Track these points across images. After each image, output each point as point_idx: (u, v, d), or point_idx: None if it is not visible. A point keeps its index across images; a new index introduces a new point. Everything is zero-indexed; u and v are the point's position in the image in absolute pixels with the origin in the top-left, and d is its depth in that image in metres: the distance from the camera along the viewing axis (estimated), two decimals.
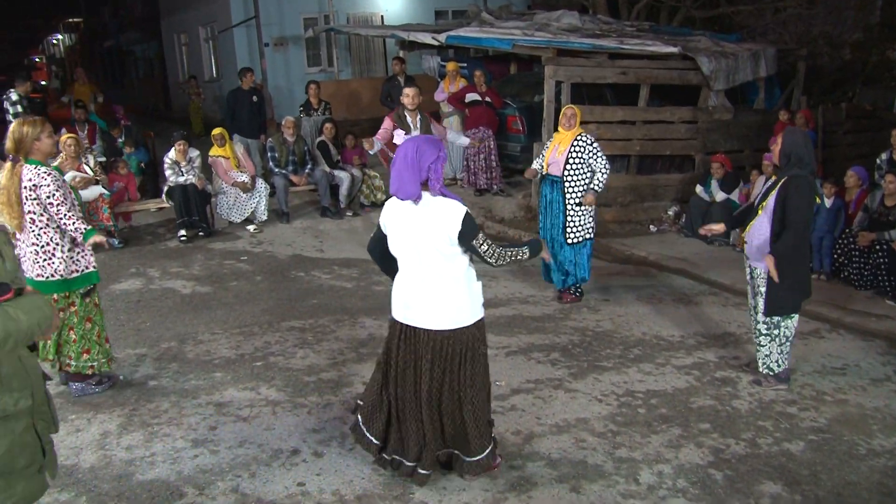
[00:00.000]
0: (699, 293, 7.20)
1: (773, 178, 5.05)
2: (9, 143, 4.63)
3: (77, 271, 4.91)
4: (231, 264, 8.02)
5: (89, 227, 4.77)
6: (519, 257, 3.91)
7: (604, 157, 6.52)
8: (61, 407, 4.90)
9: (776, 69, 10.39)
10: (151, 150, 10.62)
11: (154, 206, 9.21)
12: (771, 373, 5.19)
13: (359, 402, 4.17)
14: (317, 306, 6.75)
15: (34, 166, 4.64)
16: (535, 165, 6.90)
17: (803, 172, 4.79)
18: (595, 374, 5.38)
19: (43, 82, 30.08)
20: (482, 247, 3.71)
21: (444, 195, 3.65)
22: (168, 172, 8.82)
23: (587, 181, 6.54)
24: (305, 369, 5.46)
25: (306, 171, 9.69)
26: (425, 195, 3.62)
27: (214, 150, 9.23)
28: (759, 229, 4.98)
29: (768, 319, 5.08)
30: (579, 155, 6.45)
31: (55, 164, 7.58)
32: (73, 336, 5.04)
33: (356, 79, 16.34)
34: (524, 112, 10.15)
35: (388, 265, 3.98)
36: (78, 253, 4.90)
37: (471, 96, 9.97)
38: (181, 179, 8.79)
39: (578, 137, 6.50)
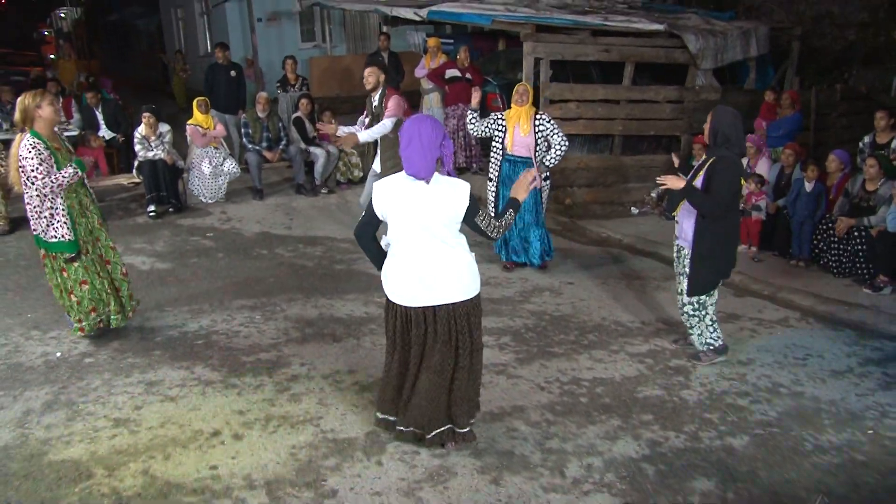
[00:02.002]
0: (669, 278, 6.94)
1: (703, 157, 4.94)
2: (17, 115, 5.05)
3: (55, 237, 5.08)
4: (196, 241, 7.87)
5: (70, 169, 5.02)
6: (510, 222, 3.89)
7: (562, 135, 6.57)
8: None
9: (768, 49, 10.05)
10: (128, 124, 10.45)
11: (125, 180, 9.07)
12: (709, 347, 5.10)
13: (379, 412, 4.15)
14: (273, 285, 6.60)
15: (29, 138, 4.92)
16: (476, 127, 6.81)
17: (730, 153, 4.66)
18: (543, 361, 5.19)
19: (51, 56, 29.93)
20: (483, 221, 3.76)
21: (450, 173, 3.72)
22: (138, 147, 8.68)
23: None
24: (246, 349, 5.31)
25: (280, 147, 9.50)
26: (436, 175, 3.64)
27: (194, 118, 9.08)
28: (689, 209, 4.82)
29: (694, 300, 4.94)
30: (542, 134, 6.54)
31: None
32: (75, 298, 5.27)
33: (350, 55, 16.08)
34: (505, 89, 9.88)
35: (378, 251, 3.89)
36: (58, 221, 5.07)
37: (451, 72, 9.72)
38: (150, 154, 8.64)
39: (538, 117, 6.55)
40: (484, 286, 6.52)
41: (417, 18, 10.07)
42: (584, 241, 8.14)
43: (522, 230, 6.82)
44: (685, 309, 5.09)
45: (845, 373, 5.14)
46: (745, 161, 8.11)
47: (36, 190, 4.94)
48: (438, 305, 3.72)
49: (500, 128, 6.69)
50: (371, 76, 6.44)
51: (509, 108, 6.70)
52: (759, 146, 8.15)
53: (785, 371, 5.12)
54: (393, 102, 6.33)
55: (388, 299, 3.85)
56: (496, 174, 6.78)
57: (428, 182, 3.61)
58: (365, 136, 6.41)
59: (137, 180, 8.86)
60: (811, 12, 13.46)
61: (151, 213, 8.58)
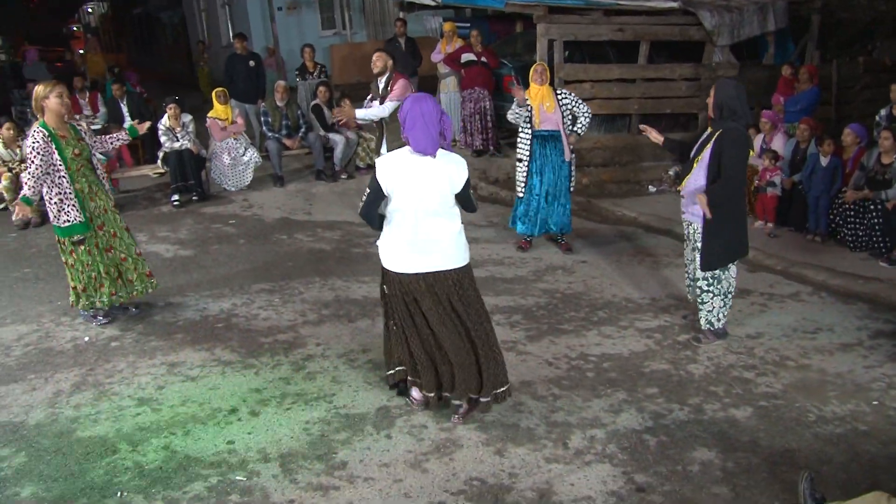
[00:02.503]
0: (682, 254, 6.98)
1: (709, 130, 4.93)
2: (33, 104, 5.33)
3: (69, 221, 5.34)
4: (218, 228, 8.08)
5: (25, 196, 5.27)
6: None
7: (585, 105, 6.88)
8: (31, 364, 5.08)
9: (787, 23, 9.93)
10: (151, 116, 10.67)
11: (151, 171, 9.31)
12: (711, 328, 5.12)
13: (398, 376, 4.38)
14: (291, 269, 6.77)
15: (37, 128, 5.20)
16: (513, 116, 6.96)
17: (737, 125, 4.68)
18: (552, 337, 5.30)
19: (80, 51, 30.48)
20: (471, 193, 4.05)
21: (448, 147, 3.94)
22: (163, 139, 8.90)
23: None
24: (264, 331, 5.49)
25: (299, 134, 9.67)
26: (440, 149, 3.86)
27: (214, 111, 9.30)
28: (695, 183, 4.87)
29: (708, 274, 4.97)
30: (567, 107, 6.79)
31: None
32: (83, 277, 5.51)
33: (370, 41, 16.17)
34: (520, 72, 9.92)
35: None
36: (68, 205, 5.32)
37: (466, 56, 9.78)
38: (176, 145, 8.86)
39: (559, 92, 6.80)
40: (497, 266, 6.72)
41: (434, 3, 10.14)
42: (598, 220, 8.20)
43: (553, 204, 6.93)
44: (699, 284, 5.12)
45: (854, 346, 5.16)
46: (760, 137, 8.11)
47: (31, 176, 5.16)
48: (441, 271, 3.92)
49: (527, 108, 6.79)
50: (378, 60, 6.54)
51: (527, 88, 6.81)
52: (775, 122, 8.11)
53: (793, 344, 5.17)
54: (399, 86, 6.42)
55: (385, 271, 4.06)
56: (526, 154, 6.87)
57: (434, 157, 3.80)
58: (361, 113, 6.56)
59: (163, 171, 9.09)
60: None
61: (175, 203, 8.81)
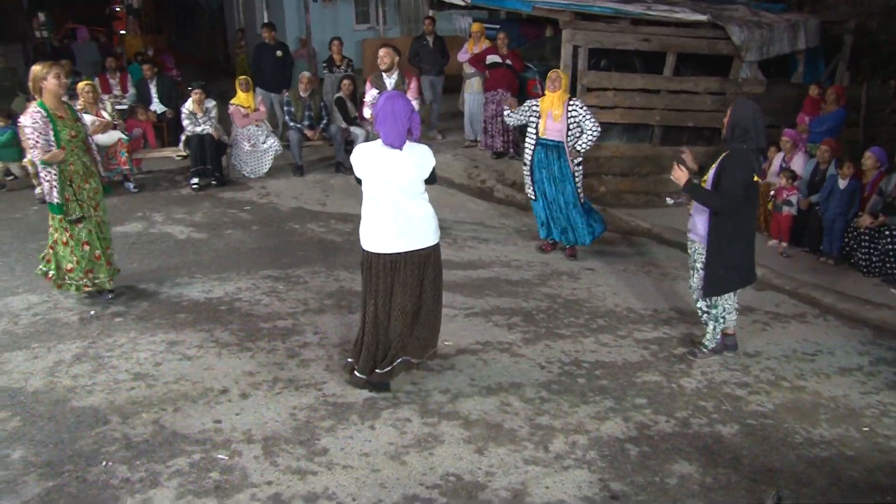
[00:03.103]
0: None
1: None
2: (29, 84, 5.38)
3: (53, 201, 5.39)
4: (233, 213, 8.19)
5: (43, 160, 5.28)
6: None
7: (594, 120, 6.70)
8: (36, 333, 5.22)
9: (818, 42, 9.81)
10: (179, 100, 10.83)
11: (173, 153, 9.45)
12: (705, 349, 5.12)
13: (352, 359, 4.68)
14: (300, 258, 6.85)
15: (34, 107, 5.29)
16: (510, 120, 7.13)
17: (743, 146, 4.63)
18: (548, 341, 5.31)
19: (122, 31, 30.95)
20: (434, 171, 4.47)
21: (416, 141, 4.37)
22: (186, 122, 9.04)
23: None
24: (265, 316, 5.57)
25: (321, 126, 9.76)
26: (407, 141, 4.27)
27: (236, 98, 9.44)
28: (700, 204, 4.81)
29: (708, 299, 4.95)
30: (575, 119, 6.68)
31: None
32: (75, 258, 5.57)
33: (402, 37, 16.23)
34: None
35: None
36: (50, 185, 5.37)
37: (491, 58, 9.80)
38: (198, 129, 8.99)
39: (571, 103, 6.70)
40: (504, 268, 6.75)
41: (462, 3, 10.17)
42: (611, 230, 8.14)
43: (566, 212, 6.93)
44: (699, 305, 5.12)
45: (853, 370, 5.11)
46: (780, 155, 8.03)
47: (40, 150, 5.22)
48: (408, 252, 4.34)
49: (534, 114, 6.85)
50: (387, 56, 6.55)
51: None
52: (796, 141, 8.03)
53: (790, 365, 5.13)
54: (416, 85, 6.52)
55: (364, 252, 4.44)
56: (530, 159, 6.91)
57: (402, 149, 4.22)
58: (369, 112, 6.60)
59: (184, 153, 9.23)
60: (880, 3, 12.95)
61: (194, 186, 8.94)
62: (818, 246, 7.35)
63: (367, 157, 4.29)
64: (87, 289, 5.69)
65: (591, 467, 3.88)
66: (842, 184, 7.16)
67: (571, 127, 6.69)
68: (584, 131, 6.66)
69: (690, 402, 4.58)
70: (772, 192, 7.70)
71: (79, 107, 8.27)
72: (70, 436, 4.03)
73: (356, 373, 4.53)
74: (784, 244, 7.56)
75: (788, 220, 7.53)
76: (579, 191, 6.89)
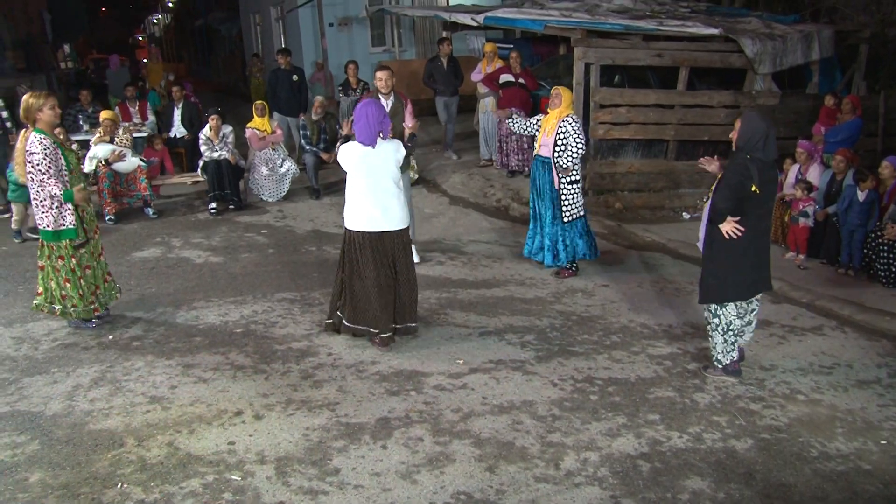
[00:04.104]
0: None
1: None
2: (21, 113, 5.44)
3: (63, 225, 5.48)
4: (250, 237, 8.30)
5: (66, 190, 5.35)
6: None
7: (580, 138, 6.62)
8: (56, 359, 5.33)
9: (832, 52, 9.77)
10: (200, 125, 11.02)
11: (189, 180, 9.61)
12: (719, 364, 5.03)
13: (337, 314, 5.57)
14: (315, 280, 6.91)
15: (36, 135, 5.31)
16: (514, 126, 7.22)
17: (747, 157, 4.61)
18: (561, 359, 5.30)
19: (144, 59, 31.62)
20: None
21: (385, 139, 5.25)
22: (203, 148, 9.20)
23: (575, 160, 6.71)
24: (279, 338, 5.63)
25: (336, 148, 9.86)
26: (379, 140, 5.17)
27: (253, 122, 9.61)
28: (706, 214, 4.82)
29: (708, 307, 4.93)
30: (564, 136, 6.62)
31: (94, 139, 8.29)
32: (69, 286, 5.60)
33: (417, 59, 16.41)
34: None
35: None
36: (66, 210, 5.47)
37: (504, 77, 9.88)
38: (215, 155, 9.15)
39: (565, 118, 6.66)
40: (518, 286, 6.76)
41: (474, 24, 10.27)
42: (626, 245, 8.16)
43: (546, 229, 6.97)
44: (705, 315, 5.11)
45: (872, 383, 5.05)
46: (796, 167, 7.98)
47: (38, 183, 5.29)
48: (387, 231, 5.19)
49: (537, 129, 6.90)
50: (390, 80, 6.57)
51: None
52: (811, 152, 7.98)
53: (807, 378, 5.07)
54: (411, 107, 6.74)
55: (346, 231, 5.31)
56: (531, 174, 7.03)
57: (374, 147, 5.13)
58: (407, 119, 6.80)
59: (201, 179, 9.38)
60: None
61: (212, 210, 9.08)
62: (836, 257, 7.28)
63: (348, 153, 5.21)
64: (97, 312, 5.80)
65: (603, 484, 3.87)
66: (861, 195, 7.09)
67: (559, 142, 6.61)
68: (567, 146, 6.57)
69: (704, 418, 4.55)
70: (787, 198, 7.67)
71: (97, 135, 8.50)
72: (87, 458, 4.10)
73: (346, 323, 5.44)
74: (801, 256, 7.50)
75: (805, 232, 7.47)
76: (564, 209, 6.74)
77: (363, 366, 5.19)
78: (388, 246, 5.25)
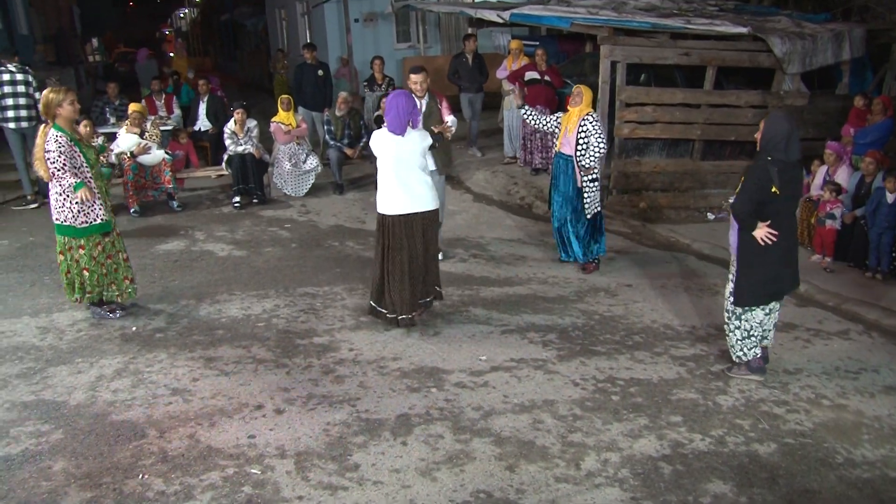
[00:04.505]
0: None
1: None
2: (41, 108, 5.54)
3: (86, 223, 5.54)
4: (273, 231, 8.34)
5: (78, 181, 5.40)
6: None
7: (602, 137, 6.67)
8: (80, 349, 5.37)
9: (864, 52, 9.60)
10: (225, 119, 11.09)
11: (214, 174, 9.68)
12: (742, 359, 4.98)
13: (378, 307, 5.75)
14: (338, 275, 6.93)
15: (54, 131, 5.42)
16: (528, 118, 7.17)
17: (768, 158, 4.54)
18: (583, 358, 5.27)
19: (171, 54, 31.91)
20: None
21: (415, 127, 5.58)
22: (228, 142, 9.25)
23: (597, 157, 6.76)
24: (301, 333, 5.65)
25: (361, 144, 9.89)
26: (408, 129, 5.47)
27: (278, 116, 9.65)
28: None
29: (735, 308, 4.87)
30: (585, 135, 6.65)
31: (123, 130, 8.39)
32: (94, 274, 5.70)
33: (443, 55, 16.39)
34: None
35: None
36: (88, 207, 5.50)
37: (530, 74, 9.84)
38: (239, 149, 9.20)
39: (585, 117, 6.68)
40: (541, 284, 6.73)
41: (500, 20, 10.23)
42: (650, 245, 8.09)
43: (567, 226, 7.03)
44: (725, 311, 5.06)
45: None
46: (824, 168, 7.86)
47: (56, 179, 5.35)
48: (415, 213, 5.49)
49: (558, 127, 6.89)
50: (424, 83, 6.49)
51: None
52: (840, 154, 7.85)
53: (832, 383, 5.00)
54: (446, 103, 6.69)
55: (380, 216, 5.58)
56: (552, 171, 7.03)
57: (403, 135, 5.41)
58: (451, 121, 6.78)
59: (225, 173, 9.44)
60: None
61: (236, 204, 9.13)
62: (864, 260, 7.16)
63: (379, 141, 5.50)
64: (119, 299, 5.90)
65: (623, 486, 3.83)
66: (889, 197, 6.97)
67: (580, 141, 6.66)
68: (589, 146, 6.63)
69: (726, 420, 4.49)
70: (815, 198, 7.56)
71: (124, 128, 8.60)
72: (109, 449, 4.13)
73: (389, 315, 5.66)
74: (828, 259, 7.38)
75: (832, 235, 7.36)
76: (586, 206, 6.80)
77: (384, 362, 5.18)
78: (419, 226, 5.53)
